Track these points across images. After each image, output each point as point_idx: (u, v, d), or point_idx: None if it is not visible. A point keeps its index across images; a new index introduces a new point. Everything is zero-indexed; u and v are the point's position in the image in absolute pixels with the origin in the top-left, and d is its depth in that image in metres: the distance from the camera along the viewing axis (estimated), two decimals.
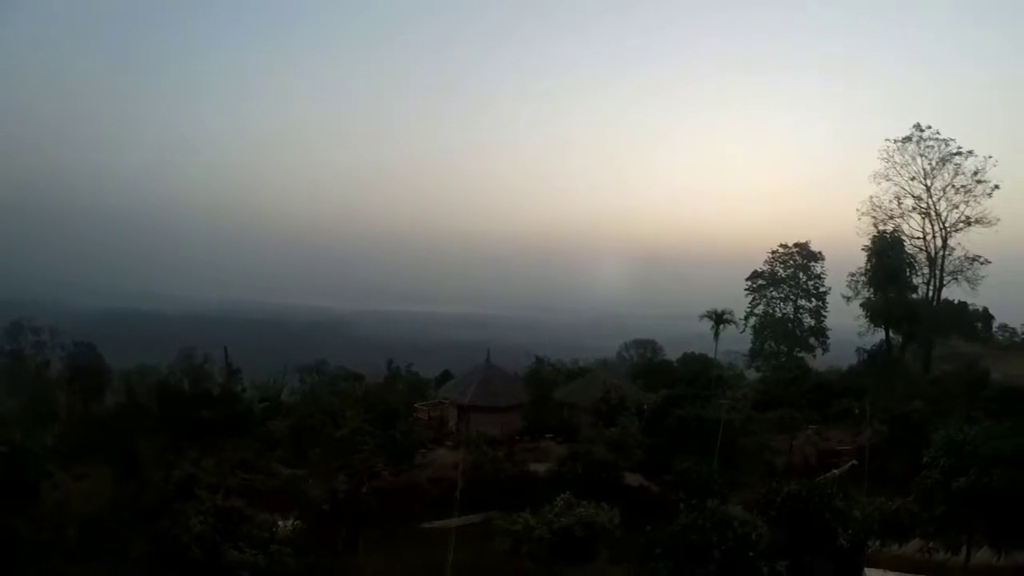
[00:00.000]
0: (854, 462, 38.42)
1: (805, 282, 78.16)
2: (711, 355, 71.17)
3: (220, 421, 43.44)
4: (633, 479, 35.64)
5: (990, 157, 64.58)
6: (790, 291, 78.47)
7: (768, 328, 77.60)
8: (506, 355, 65.04)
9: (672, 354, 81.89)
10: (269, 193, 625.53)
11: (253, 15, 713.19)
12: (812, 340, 77.03)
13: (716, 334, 66.89)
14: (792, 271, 78.71)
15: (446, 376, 64.76)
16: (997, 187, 64.24)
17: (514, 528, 22.66)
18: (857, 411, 43.36)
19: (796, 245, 79.15)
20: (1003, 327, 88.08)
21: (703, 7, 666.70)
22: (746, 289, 79.57)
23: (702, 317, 66.56)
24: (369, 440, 36.45)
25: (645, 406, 49.44)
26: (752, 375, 76.96)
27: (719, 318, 67.43)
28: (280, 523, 24.23)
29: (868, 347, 71.86)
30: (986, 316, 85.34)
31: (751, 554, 17.33)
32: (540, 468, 36.49)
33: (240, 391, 57.72)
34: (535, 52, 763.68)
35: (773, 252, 79.84)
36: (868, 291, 69.39)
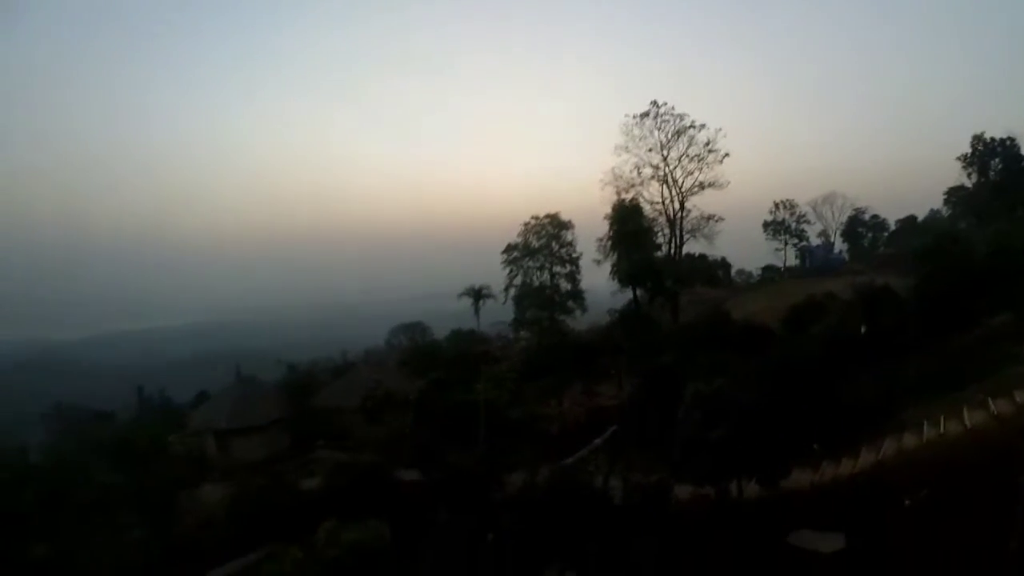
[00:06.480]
0: (615, 427, 38.70)
1: (558, 250, 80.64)
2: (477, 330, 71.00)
3: None
4: (409, 475, 33.11)
5: (719, 129, 72.70)
6: (545, 260, 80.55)
7: (528, 297, 79.24)
8: (259, 364, 59.30)
9: (442, 333, 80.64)
10: None
11: None
12: (571, 303, 79.94)
13: (477, 310, 66.74)
14: (545, 240, 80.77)
15: (203, 397, 58.34)
16: (727, 155, 71.46)
17: (284, 570, 19.95)
18: (613, 372, 44.27)
19: (547, 216, 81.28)
20: (741, 271, 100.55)
21: None
22: (503, 262, 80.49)
23: (460, 295, 65.94)
24: (128, 495, 31.59)
25: (411, 396, 46.93)
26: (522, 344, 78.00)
27: (478, 294, 67.20)
28: None
29: (619, 306, 75.84)
30: (725, 264, 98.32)
31: None
32: (314, 484, 33.04)
33: None
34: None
35: (526, 224, 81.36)
36: (613, 254, 72.95)
